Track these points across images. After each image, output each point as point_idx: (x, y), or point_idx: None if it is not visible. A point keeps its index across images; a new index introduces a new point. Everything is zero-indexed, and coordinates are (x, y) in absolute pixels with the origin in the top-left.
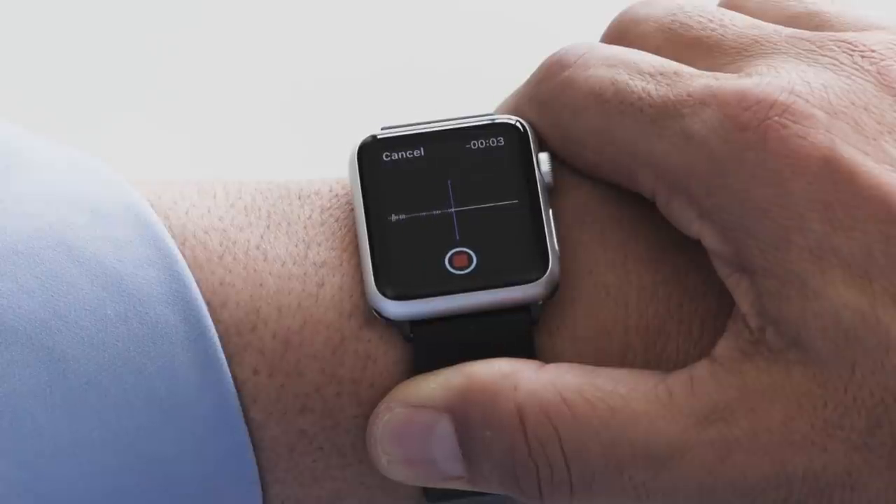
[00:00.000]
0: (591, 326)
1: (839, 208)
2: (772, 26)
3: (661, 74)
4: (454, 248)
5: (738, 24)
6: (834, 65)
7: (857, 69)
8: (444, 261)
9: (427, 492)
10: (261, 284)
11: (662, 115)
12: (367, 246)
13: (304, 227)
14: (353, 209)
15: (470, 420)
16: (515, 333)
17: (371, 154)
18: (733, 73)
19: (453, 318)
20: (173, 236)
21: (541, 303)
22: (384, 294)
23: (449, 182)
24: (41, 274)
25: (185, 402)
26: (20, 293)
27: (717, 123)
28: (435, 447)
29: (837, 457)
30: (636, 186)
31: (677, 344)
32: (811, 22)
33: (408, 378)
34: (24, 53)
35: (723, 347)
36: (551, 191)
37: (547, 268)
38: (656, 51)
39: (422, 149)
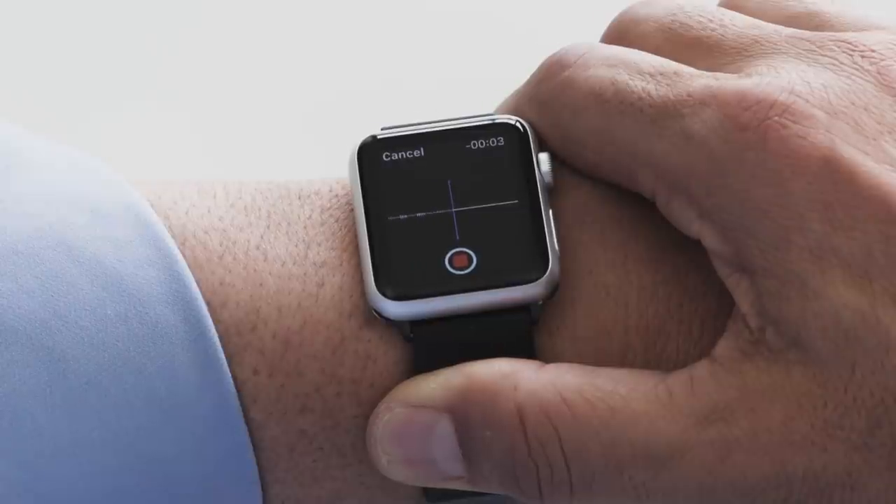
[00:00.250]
0: (591, 326)
1: (839, 208)
2: (772, 26)
3: (661, 74)
4: (454, 248)
5: (738, 24)
6: (834, 65)
7: (857, 69)
8: (444, 261)
9: (427, 492)
10: (261, 284)
11: (662, 115)
12: (367, 246)
13: (304, 227)
14: (353, 209)
15: (470, 420)
16: (515, 333)
17: (371, 154)
18: (733, 73)
19: (453, 318)
20: (173, 236)
21: (541, 303)
22: (384, 294)
23: (449, 182)
24: (41, 274)
25: (185, 402)
26: (20, 293)
27: (717, 123)
28: (435, 447)
29: (837, 457)
30: (636, 186)
31: (677, 344)
32: (811, 22)
33: (408, 378)
34: (24, 53)
35: (723, 347)
36: (551, 191)
37: (547, 268)
38: (656, 51)
39: (422, 149)
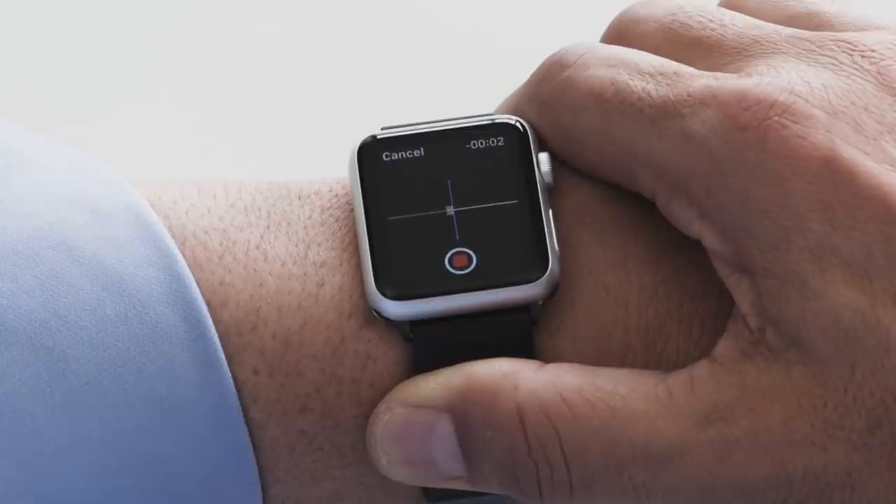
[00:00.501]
0: (591, 326)
1: (839, 208)
2: (772, 26)
3: (661, 74)
4: (454, 248)
5: (738, 23)
6: (834, 65)
7: (857, 69)
8: (443, 261)
9: (427, 492)
10: (261, 284)
11: (662, 115)
12: (367, 246)
13: (304, 227)
14: (353, 209)
15: (470, 420)
16: (515, 333)
17: (371, 154)
18: (733, 73)
19: (453, 318)
20: (173, 236)
21: (541, 303)
22: (384, 294)
23: (449, 182)
24: (41, 274)
25: (185, 402)
26: (20, 293)
27: (717, 123)
28: (435, 447)
29: (837, 457)
30: (636, 186)
31: (677, 344)
32: (811, 22)
33: (408, 378)
34: (24, 52)
35: (723, 347)
36: (551, 191)
37: (547, 268)
38: (656, 51)
39: (422, 149)
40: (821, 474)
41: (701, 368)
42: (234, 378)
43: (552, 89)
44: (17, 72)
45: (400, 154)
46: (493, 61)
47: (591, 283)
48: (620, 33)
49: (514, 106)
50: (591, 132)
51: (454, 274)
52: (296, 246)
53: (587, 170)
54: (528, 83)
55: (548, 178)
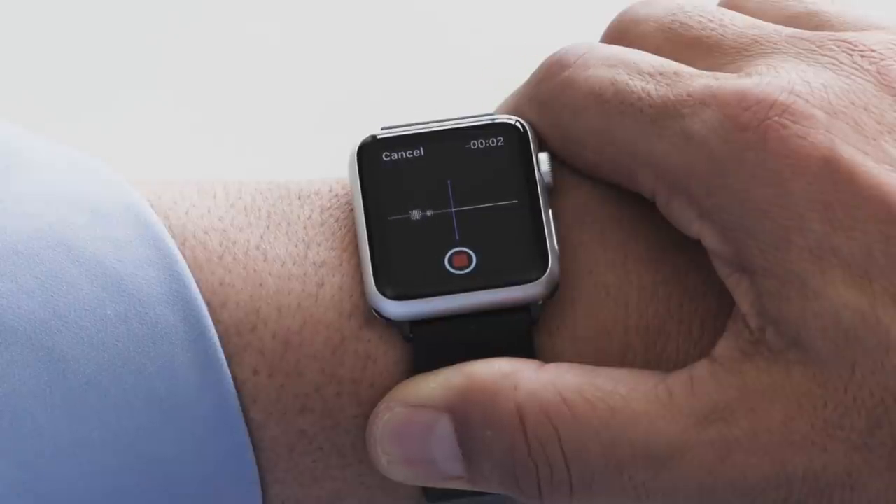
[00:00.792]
0: (591, 326)
1: (839, 208)
2: (772, 26)
3: (661, 74)
4: (454, 247)
5: (738, 23)
6: (834, 65)
7: (856, 69)
8: (443, 261)
9: (427, 492)
10: (261, 285)
11: (662, 115)
12: (367, 246)
13: (304, 227)
14: (352, 209)
15: (470, 420)
16: (515, 333)
17: (371, 154)
18: (733, 72)
19: (453, 318)
20: (173, 236)
21: (541, 303)
22: (384, 294)
23: (449, 182)
24: (41, 274)
25: (185, 402)
26: (20, 293)
27: (717, 123)
28: (435, 447)
29: (837, 457)
30: (636, 186)
31: (677, 344)
32: (811, 22)
33: (408, 378)
34: (24, 52)
35: (723, 347)
36: (551, 191)
37: (547, 268)
38: (656, 51)
39: (421, 149)
40: (821, 474)
41: (701, 368)
42: (234, 378)
43: (552, 89)
44: (17, 72)
45: (400, 154)
46: (493, 61)
47: (591, 283)
48: (620, 33)
49: (514, 106)
50: (591, 132)
51: (454, 274)
52: (296, 246)
53: (587, 170)
54: (528, 83)
55: (548, 178)
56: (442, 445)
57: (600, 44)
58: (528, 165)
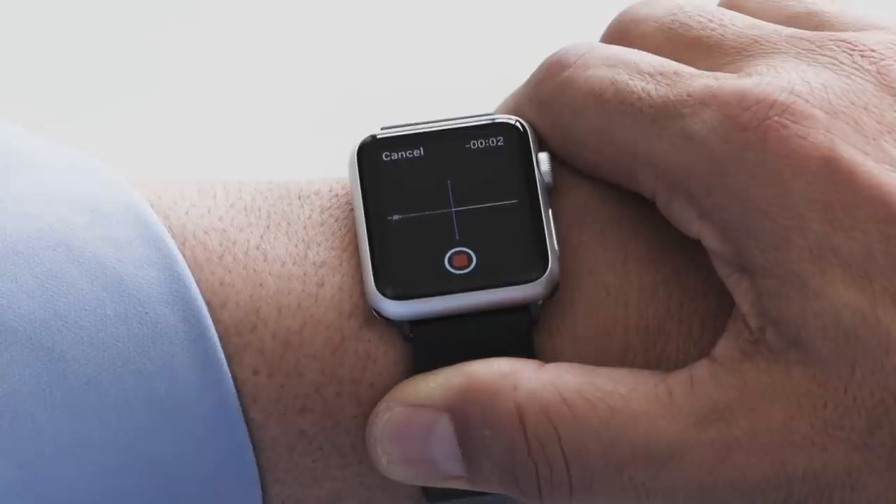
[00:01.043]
0: (591, 326)
1: (839, 208)
2: (772, 26)
3: (661, 74)
4: (454, 247)
5: (738, 23)
6: (834, 64)
7: (856, 69)
8: (443, 261)
9: (427, 492)
10: (261, 285)
11: (662, 115)
12: (367, 246)
13: (304, 227)
14: (352, 209)
15: (470, 420)
16: (515, 333)
17: (371, 154)
18: (733, 72)
19: (453, 317)
20: (173, 236)
21: (541, 303)
22: (384, 294)
23: (449, 182)
24: (41, 274)
25: (185, 402)
26: (20, 293)
27: (717, 123)
28: (435, 447)
29: (837, 457)
30: (636, 186)
31: (677, 344)
32: (811, 22)
33: (407, 378)
34: (24, 52)
35: (723, 347)
36: (551, 191)
37: (547, 268)
38: (656, 51)
39: (421, 149)
40: (821, 474)
41: (701, 368)
42: (234, 378)
43: (552, 89)
44: (17, 72)
45: (400, 154)
46: (493, 61)
47: (591, 283)
48: (620, 33)
49: (514, 106)
50: (591, 132)
51: (454, 274)
52: (295, 246)
53: (587, 170)
54: (528, 83)
55: (548, 178)
56: (442, 445)
57: (600, 44)
58: (528, 165)
